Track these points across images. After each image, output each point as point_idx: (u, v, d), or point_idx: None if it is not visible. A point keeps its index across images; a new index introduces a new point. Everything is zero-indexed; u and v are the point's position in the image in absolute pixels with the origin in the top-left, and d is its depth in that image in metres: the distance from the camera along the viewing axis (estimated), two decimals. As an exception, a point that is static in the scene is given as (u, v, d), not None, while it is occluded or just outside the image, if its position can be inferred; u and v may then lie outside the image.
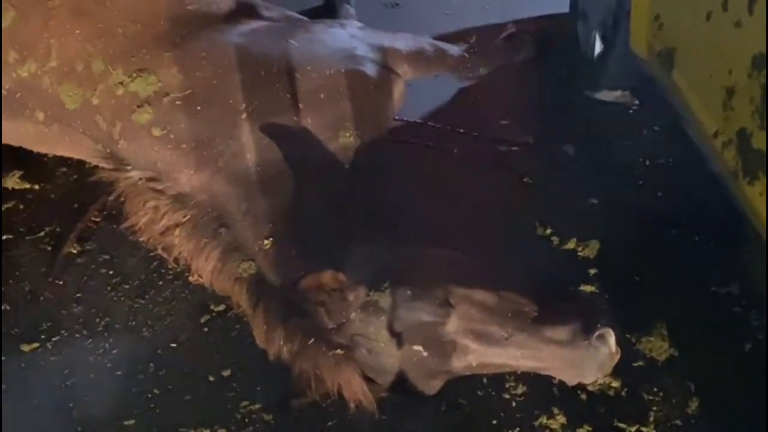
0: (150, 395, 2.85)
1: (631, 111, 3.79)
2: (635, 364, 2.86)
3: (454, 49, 3.66)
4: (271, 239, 2.81)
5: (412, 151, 3.57)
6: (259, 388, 2.85)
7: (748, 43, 2.49)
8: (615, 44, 3.51)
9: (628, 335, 2.89)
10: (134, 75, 2.95)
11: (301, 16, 3.47)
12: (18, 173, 3.46)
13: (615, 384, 2.81)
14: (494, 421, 2.76)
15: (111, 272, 3.20)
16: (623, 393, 2.80)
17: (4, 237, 3.30)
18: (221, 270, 2.88)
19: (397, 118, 3.48)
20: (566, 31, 4.05)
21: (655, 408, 2.76)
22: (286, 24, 3.29)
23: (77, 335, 3.01)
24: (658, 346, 2.89)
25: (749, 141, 2.54)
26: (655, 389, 2.81)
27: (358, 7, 4.15)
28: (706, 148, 2.85)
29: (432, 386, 2.63)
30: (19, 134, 3.16)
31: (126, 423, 2.77)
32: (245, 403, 2.81)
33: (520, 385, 2.82)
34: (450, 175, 3.48)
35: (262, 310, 2.75)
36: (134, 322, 3.05)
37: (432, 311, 2.55)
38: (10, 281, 3.17)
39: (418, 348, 2.55)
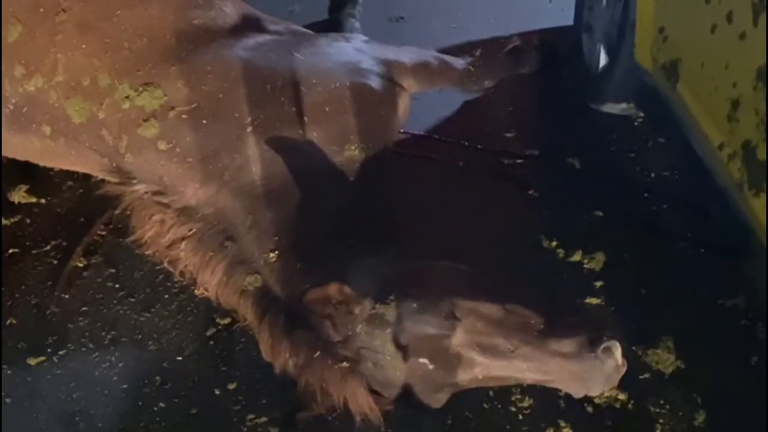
0: (156, 408, 2.84)
1: (636, 123, 3.79)
2: (642, 377, 2.86)
3: (459, 62, 3.66)
4: (276, 252, 2.81)
5: (417, 164, 3.58)
6: (265, 402, 2.84)
7: (753, 55, 2.49)
8: (620, 57, 3.50)
9: (634, 348, 2.89)
10: (140, 89, 2.96)
11: (306, 30, 3.48)
12: (24, 187, 3.47)
13: (621, 397, 2.80)
14: (501, 435, 2.76)
15: (117, 286, 3.20)
16: (630, 406, 2.80)
17: (10, 251, 3.31)
18: (227, 283, 2.88)
19: (402, 131, 3.48)
20: (571, 44, 4.05)
21: (661, 421, 2.76)
22: (291, 38, 3.30)
23: (83, 349, 3.02)
24: (664, 359, 2.88)
25: (754, 153, 2.54)
26: (662, 402, 2.81)
27: (363, 20, 4.16)
28: (711, 160, 2.85)
29: (438, 399, 2.63)
30: (26, 148, 3.17)
31: (132, 436, 2.78)
32: (251, 416, 2.81)
33: (527, 398, 2.81)
34: (455, 188, 3.48)
35: (267, 324, 2.75)
36: (140, 336, 3.05)
37: (438, 324, 2.54)
38: (17, 295, 3.17)
39: (424, 361, 2.55)
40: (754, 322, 2.99)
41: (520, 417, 2.79)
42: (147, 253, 3.06)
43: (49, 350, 3.01)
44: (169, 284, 3.19)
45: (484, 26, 4.35)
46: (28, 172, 3.45)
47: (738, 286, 3.06)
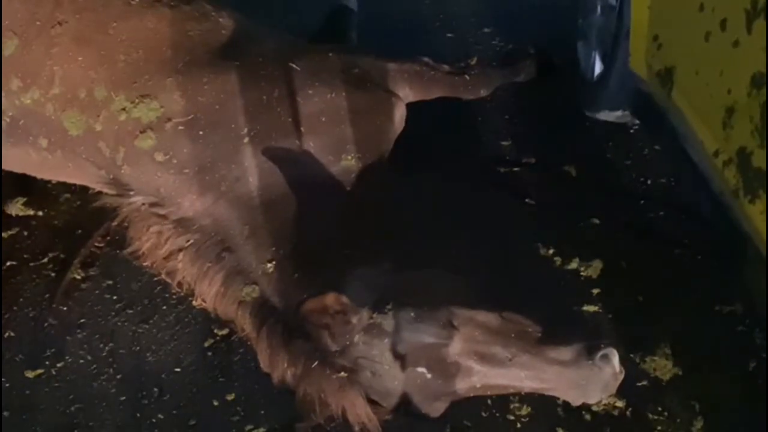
0: (154, 420, 2.84)
1: (631, 131, 3.79)
2: (639, 384, 2.85)
3: (454, 71, 3.66)
4: (273, 262, 2.81)
5: (413, 172, 3.58)
6: (263, 412, 2.84)
7: (747, 62, 2.49)
8: (615, 64, 3.50)
9: (631, 355, 2.88)
10: (137, 101, 2.97)
11: (302, 41, 3.48)
12: (21, 200, 3.47)
13: (619, 404, 2.80)
14: (499, 443, 2.76)
15: (115, 297, 3.21)
16: (628, 413, 2.79)
17: (7, 263, 3.31)
18: (225, 294, 2.88)
19: (398, 140, 3.48)
20: (566, 52, 4.06)
21: (659, 428, 2.75)
22: (287, 48, 3.30)
23: (81, 361, 3.01)
24: (662, 366, 2.88)
25: (749, 160, 2.54)
26: (660, 409, 2.80)
27: (359, 30, 4.16)
28: (706, 167, 2.86)
29: (436, 408, 2.62)
30: (23, 161, 3.18)
31: (130, 448, 2.78)
32: (249, 426, 2.80)
33: (525, 406, 2.81)
34: (451, 197, 3.48)
35: (265, 334, 2.75)
36: (138, 347, 3.05)
37: (435, 333, 2.55)
38: (14, 308, 3.17)
39: (421, 370, 2.55)
40: (751, 328, 2.99)
41: (519, 425, 2.78)
42: (145, 264, 3.06)
43: (47, 363, 3.00)
44: (166, 295, 3.19)
45: (480, 35, 4.36)
46: (25, 185, 3.46)
47: (735, 293, 3.06)
